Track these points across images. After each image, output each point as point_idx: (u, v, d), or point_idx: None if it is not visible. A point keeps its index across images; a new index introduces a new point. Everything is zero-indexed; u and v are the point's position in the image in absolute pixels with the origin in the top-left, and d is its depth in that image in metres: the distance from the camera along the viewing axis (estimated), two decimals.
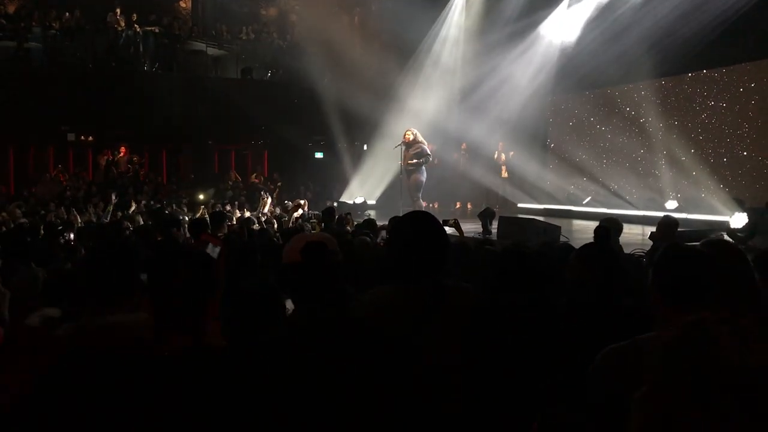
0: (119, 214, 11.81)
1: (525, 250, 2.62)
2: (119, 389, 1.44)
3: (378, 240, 6.43)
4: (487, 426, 1.84)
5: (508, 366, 1.81)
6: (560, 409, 1.81)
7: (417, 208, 10.91)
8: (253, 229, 8.11)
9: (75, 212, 11.60)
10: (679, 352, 1.25)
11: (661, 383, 1.24)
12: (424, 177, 12.41)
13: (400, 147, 12.43)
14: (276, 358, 1.70)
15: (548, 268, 2.60)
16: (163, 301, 1.51)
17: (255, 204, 15.13)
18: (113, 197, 12.27)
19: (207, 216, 9.31)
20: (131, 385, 1.44)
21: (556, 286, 3.57)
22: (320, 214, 10.14)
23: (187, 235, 6.72)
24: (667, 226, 5.90)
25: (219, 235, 6.37)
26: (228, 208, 14.25)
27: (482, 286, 2.99)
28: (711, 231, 9.48)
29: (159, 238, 6.40)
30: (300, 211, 11.23)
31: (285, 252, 1.97)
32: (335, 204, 14.69)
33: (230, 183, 17.87)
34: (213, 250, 1.71)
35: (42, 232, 7.82)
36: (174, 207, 13.79)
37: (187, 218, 10.13)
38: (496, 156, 15.97)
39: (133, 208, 12.61)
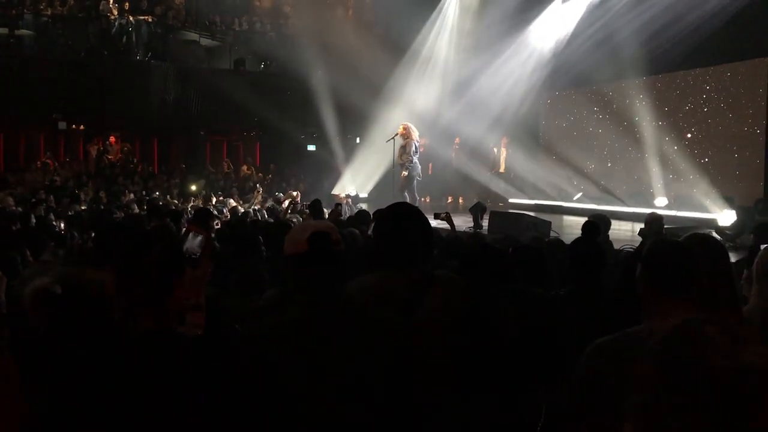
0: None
1: (489, 244, 2.67)
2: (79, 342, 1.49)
3: (369, 232, 6.45)
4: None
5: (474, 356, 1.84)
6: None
7: (411, 202, 10.89)
8: (252, 220, 8.12)
9: (64, 202, 11.55)
10: (671, 355, 1.22)
11: (657, 389, 1.20)
12: (416, 172, 12.27)
13: (392, 140, 12.36)
14: (250, 347, 1.71)
15: (532, 263, 2.63)
16: (126, 281, 1.52)
17: (246, 195, 15.12)
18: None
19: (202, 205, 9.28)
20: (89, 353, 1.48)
21: (545, 279, 3.62)
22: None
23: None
24: (654, 222, 6.06)
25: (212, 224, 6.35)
26: (220, 198, 14.23)
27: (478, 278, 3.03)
28: (698, 228, 9.57)
29: (152, 226, 6.37)
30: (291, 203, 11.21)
31: (288, 242, 1.94)
32: (349, 196, 14.71)
33: (224, 173, 17.84)
34: (193, 240, 1.72)
35: (33, 220, 7.79)
36: (168, 197, 13.74)
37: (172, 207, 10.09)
38: (496, 151, 16.02)
39: (129, 197, 12.57)
